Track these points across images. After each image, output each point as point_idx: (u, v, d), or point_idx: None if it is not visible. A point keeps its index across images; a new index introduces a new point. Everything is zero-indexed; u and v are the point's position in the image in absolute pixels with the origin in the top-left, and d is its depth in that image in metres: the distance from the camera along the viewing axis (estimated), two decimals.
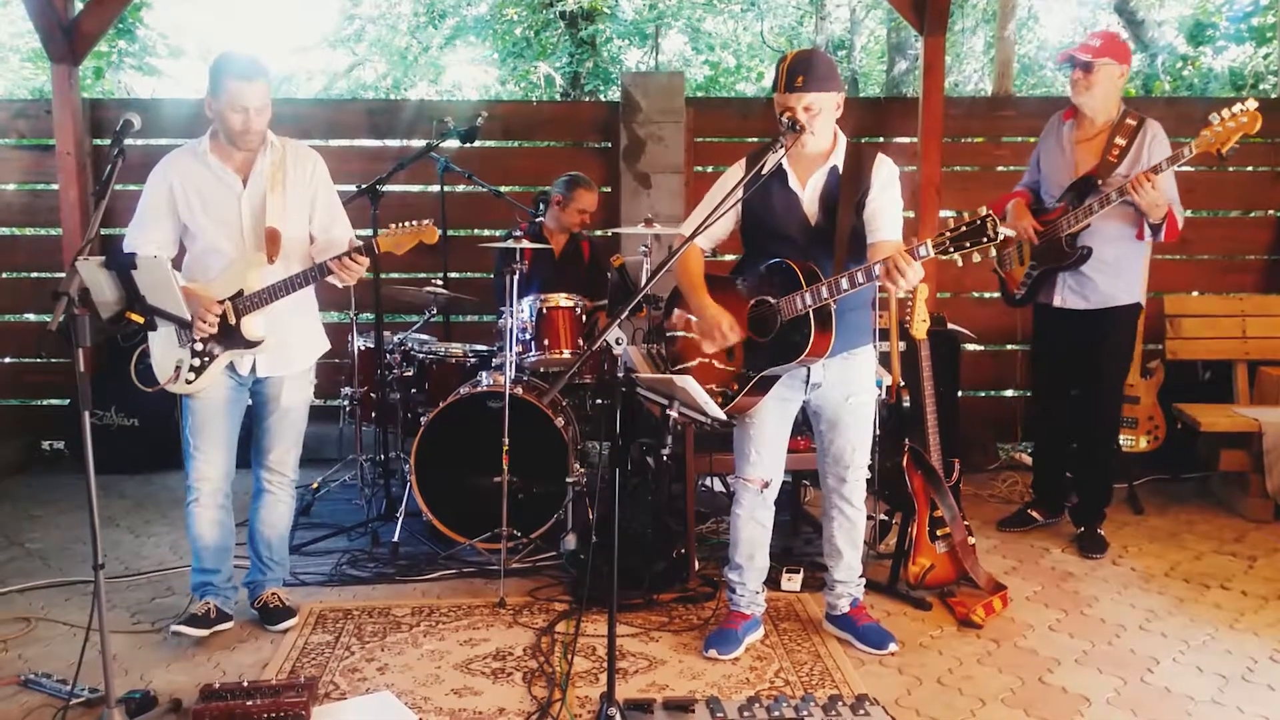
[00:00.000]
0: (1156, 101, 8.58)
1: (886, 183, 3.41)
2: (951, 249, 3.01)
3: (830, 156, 3.46)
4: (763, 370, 3.44)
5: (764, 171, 3.45)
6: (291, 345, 3.79)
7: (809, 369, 3.50)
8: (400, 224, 3.64)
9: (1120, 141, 4.36)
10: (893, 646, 3.65)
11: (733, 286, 3.57)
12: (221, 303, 3.58)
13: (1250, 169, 6.66)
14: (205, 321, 3.54)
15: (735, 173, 3.57)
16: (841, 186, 3.42)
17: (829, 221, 3.43)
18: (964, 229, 2.98)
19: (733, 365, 3.52)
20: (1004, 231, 2.96)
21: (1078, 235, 4.39)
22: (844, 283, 3.22)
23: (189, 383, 3.63)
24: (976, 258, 3.01)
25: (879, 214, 3.38)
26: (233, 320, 3.60)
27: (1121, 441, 5.47)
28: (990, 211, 2.95)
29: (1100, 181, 4.35)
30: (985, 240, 2.94)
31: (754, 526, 3.72)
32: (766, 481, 3.66)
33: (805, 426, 3.97)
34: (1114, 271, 4.45)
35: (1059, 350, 4.71)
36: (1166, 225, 4.31)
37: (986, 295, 6.41)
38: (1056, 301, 4.55)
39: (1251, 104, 3.92)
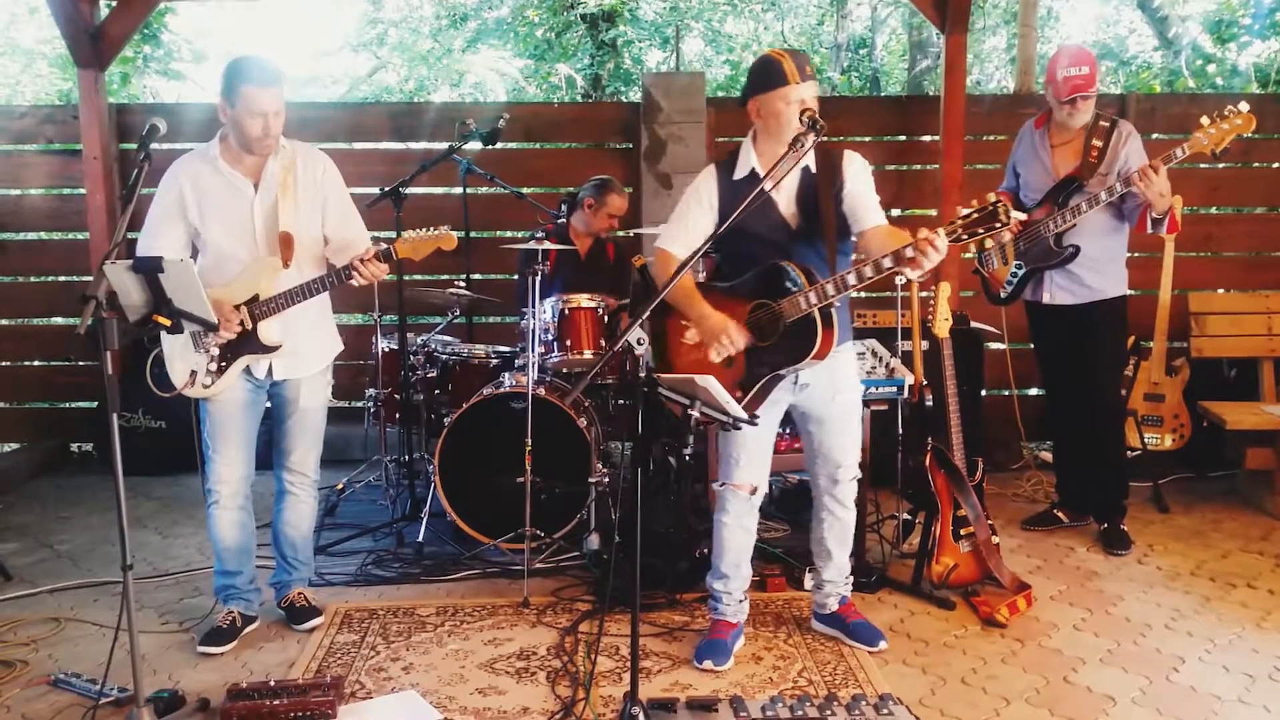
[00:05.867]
0: (1179, 98, 8.51)
1: (858, 172, 3.40)
2: (964, 235, 3.03)
3: (801, 158, 3.36)
4: (775, 370, 3.37)
5: (796, 162, 3.38)
6: (306, 347, 3.79)
7: (797, 372, 3.46)
8: (419, 230, 3.65)
9: (1097, 143, 4.46)
10: (883, 644, 3.64)
11: (724, 293, 3.48)
12: (238, 308, 3.58)
13: (1277, 165, 6.60)
14: (225, 329, 3.55)
15: (706, 179, 3.51)
16: (818, 185, 3.39)
17: (810, 222, 3.40)
18: (976, 215, 3.00)
19: (732, 372, 3.39)
20: (1016, 215, 3.00)
21: (1063, 234, 4.47)
22: (851, 278, 3.17)
23: (206, 387, 3.65)
24: (989, 243, 3.04)
25: (860, 203, 3.36)
26: (249, 325, 3.60)
27: (1147, 440, 5.45)
28: (1000, 198, 3.00)
29: (1084, 182, 4.44)
30: (998, 225, 2.97)
31: (742, 534, 3.65)
32: (755, 487, 3.61)
33: (785, 426, 3.90)
34: (1100, 267, 4.53)
35: (1056, 346, 4.77)
36: (1168, 217, 4.38)
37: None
38: (1045, 298, 4.62)
39: (1244, 105, 4.03)
